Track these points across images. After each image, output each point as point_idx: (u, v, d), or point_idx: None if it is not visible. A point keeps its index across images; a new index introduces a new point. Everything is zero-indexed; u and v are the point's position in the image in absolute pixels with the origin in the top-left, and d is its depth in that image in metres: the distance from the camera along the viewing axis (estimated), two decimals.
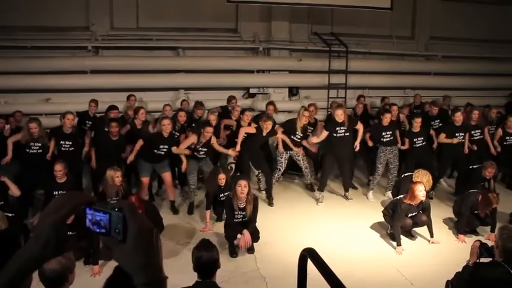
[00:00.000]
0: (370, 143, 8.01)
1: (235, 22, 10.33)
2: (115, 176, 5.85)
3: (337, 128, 7.46)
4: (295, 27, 10.34)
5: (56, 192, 5.85)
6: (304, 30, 10.55)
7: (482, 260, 3.55)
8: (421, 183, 6.06)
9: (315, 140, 7.82)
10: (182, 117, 7.82)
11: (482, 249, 3.48)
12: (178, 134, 7.67)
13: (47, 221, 0.96)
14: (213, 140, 7.22)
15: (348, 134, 7.52)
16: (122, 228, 0.94)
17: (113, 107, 7.95)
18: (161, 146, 6.95)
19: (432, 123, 8.83)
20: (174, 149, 7.06)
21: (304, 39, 10.53)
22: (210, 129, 7.09)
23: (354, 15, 10.15)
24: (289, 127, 7.92)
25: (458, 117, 7.89)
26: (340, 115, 7.42)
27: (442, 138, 8.02)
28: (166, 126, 6.90)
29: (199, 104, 8.49)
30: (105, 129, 7.23)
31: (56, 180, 6.03)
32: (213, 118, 7.65)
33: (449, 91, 10.69)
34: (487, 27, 11.42)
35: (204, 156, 7.22)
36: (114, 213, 0.95)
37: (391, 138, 7.79)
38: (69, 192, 1.06)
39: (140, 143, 6.98)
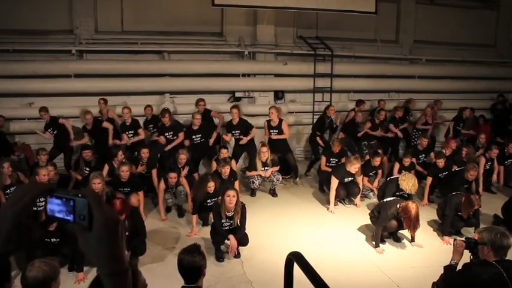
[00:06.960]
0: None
1: (221, 26, 10.32)
2: (94, 182, 5.76)
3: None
4: (280, 31, 10.36)
5: None
6: (290, 34, 10.58)
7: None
8: (414, 204, 5.87)
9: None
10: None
11: (472, 242, 3.45)
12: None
13: (7, 214, 0.93)
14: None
15: None
16: (88, 215, 0.92)
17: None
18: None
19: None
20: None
21: (290, 43, 10.56)
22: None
23: (339, 20, 10.21)
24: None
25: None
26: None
27: None
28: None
29: (165, 112, 8.45)
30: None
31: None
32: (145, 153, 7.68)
33: (433, 94, 10.86)
34: (470, 32, 11.63)
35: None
36: (78, 199, 0.93)
37: None
38: (28, 183, 1.05)
39: None
